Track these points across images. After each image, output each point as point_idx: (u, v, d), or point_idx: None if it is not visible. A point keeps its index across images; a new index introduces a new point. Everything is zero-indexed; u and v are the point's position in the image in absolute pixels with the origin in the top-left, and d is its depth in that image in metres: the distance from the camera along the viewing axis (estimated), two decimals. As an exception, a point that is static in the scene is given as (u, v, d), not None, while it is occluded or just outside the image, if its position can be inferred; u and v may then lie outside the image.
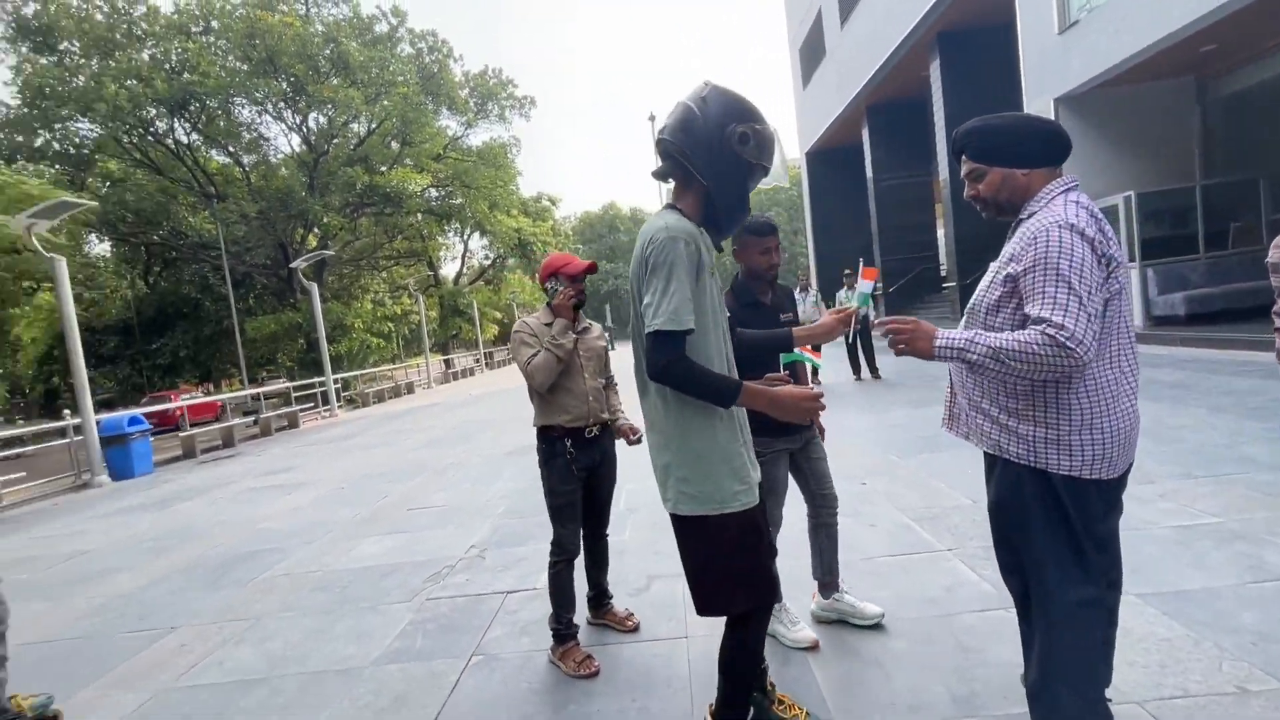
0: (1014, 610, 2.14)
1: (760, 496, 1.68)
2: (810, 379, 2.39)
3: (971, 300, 1.64)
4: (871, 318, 9.76)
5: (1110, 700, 1.62)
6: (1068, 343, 1.35)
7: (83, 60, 18.00)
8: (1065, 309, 1.37)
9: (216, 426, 12.60)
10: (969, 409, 1.69)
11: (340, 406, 17.30)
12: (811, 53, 26.23)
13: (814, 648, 2.43)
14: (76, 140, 19.73)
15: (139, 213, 19.89)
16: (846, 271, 9.79)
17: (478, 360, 31.01)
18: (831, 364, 10.44)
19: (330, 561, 4.21)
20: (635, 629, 2.74)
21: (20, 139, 18.41)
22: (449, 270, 35.83)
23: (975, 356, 1.45)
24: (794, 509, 2.74)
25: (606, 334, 2.94)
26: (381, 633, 3.03)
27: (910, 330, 1.53)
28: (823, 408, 1.60)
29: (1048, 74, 11.34)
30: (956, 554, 3.12)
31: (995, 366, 1.43)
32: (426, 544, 4.34)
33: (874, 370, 9.71)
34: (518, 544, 4.10)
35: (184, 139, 20.91)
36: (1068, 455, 1.48)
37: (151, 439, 10.04)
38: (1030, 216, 1.53)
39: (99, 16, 18.74)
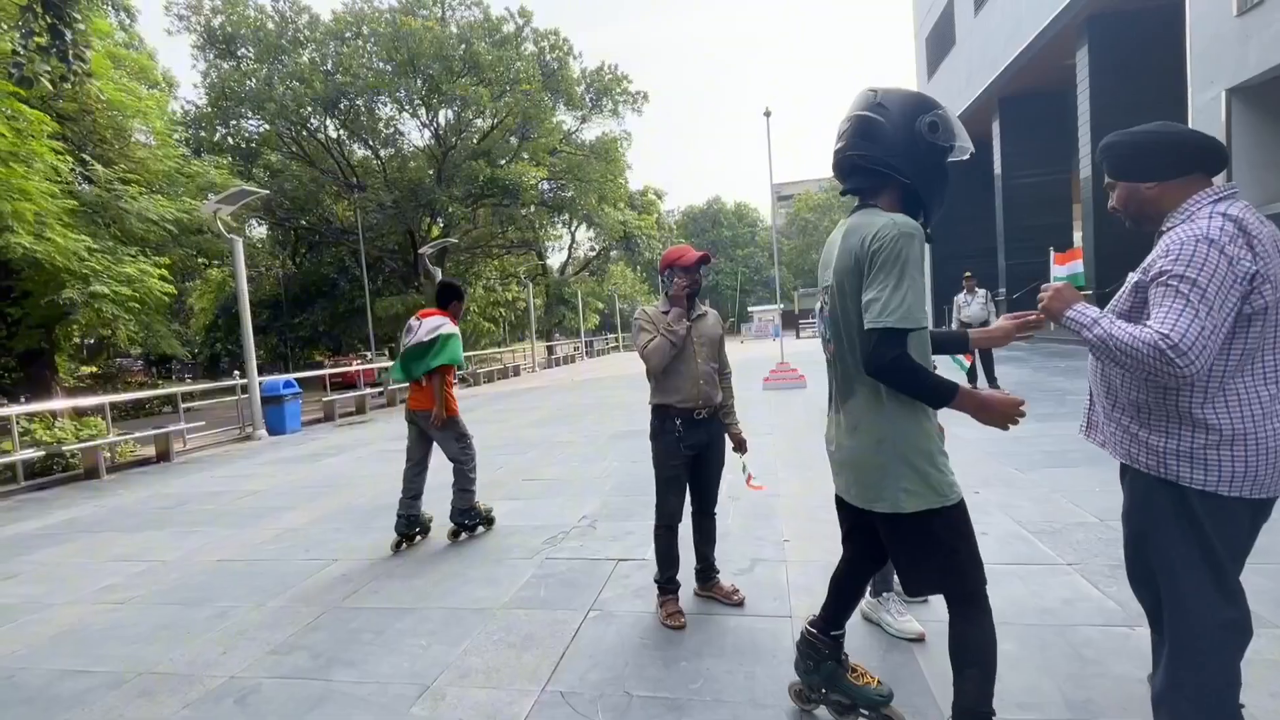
0: (1140, 628, 2.16)
1: None
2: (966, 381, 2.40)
3: (1106, 308, 1.66)
4: (991, 323, 9.22)
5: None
6: (1170, 352, 1.36)
7: (256, 64, 20.49)
8: (1178, 319, 1.38)
9: (351, 395, 14.00)
10: (1104, 418, 1.72)
11: (455, 383, 18.56)
12: (939, 42, 24.79)
13: (920, 639, 2.48)
14: (246, 135, 22.46)
15: (293, 200, 22.33)
16: (967, 274, 9.31)
17: (577, 348, 32.10)
18: (945, 371, 9.99)
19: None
20: (741, 604, 2.91)
21: (204, 134, 21.25)
22: (555, 261, 37.27)
23: (1091, 336, 1.50)
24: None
25: (725, 322, 3.12)
26: (509, 582, 3.39)
27: (1055, 290, 1.62)
28: (1024, 414, 1.60)
29: (1220, 62, 10.13)
30: (1078, 569, 3.03)
31: (1103, 352, 1.49)
32: (541, 511, 4.71)
33: (992, 379, 9.21)
34: (625, 518, 4.37)
35: (333, 134, 23.22)
36: (1203, 470, 1.48)
37: (301, 401, 11.36)
38: (1172, 228, 1.53)
39: (270, 25, 21.22)
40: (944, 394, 1.54)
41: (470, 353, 23.43)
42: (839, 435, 1.78)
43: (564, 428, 8.83)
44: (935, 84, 25.52)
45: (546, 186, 25.33)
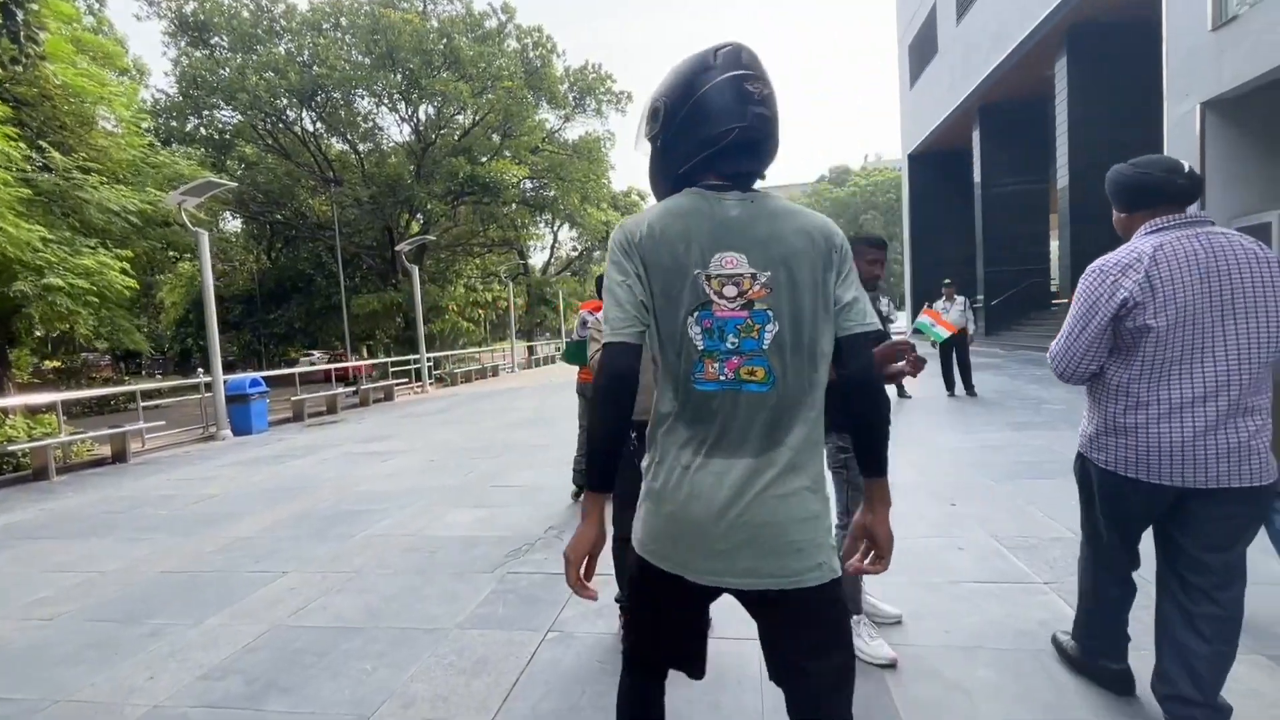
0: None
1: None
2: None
3: None
4: (972, 331, 9.25)
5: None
6: (1048, 359, 1.93)
7: (229, 54, 19.97)
8: (1059, 335, 1.89)
9: (322, 394, 13.65)
10: None
11: (431, 383, 18.28)
12: (922, 50, 24.99)
13: (892, 665, 2.37)
14: (219, 127, 21.89)
15: (268, 193, 21.81)
16: (947, 281, 9.31)
17: (558, 349, 31.88)
18: (924, 379, 9.99)
19: (422, 527, 4.49)
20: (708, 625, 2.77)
21: (175, 124, 20.67)
22: (536, 260, 36.98)
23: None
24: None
25: None
26: (467, 598, 3.22)
27: None
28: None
29: (1195, 75, 10.27)
30: (1054, 588, 2.93)
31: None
32: (508, 520, 4.54)
33: (969, 387, 9.21)
34: (594, 529, 4.21)
35: (309, 127, 22.75)
36: (1100, 450, 1.88)
37: (269, 400, 11.03)
38: None
39: (245, 14, 20.72)
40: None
41: (448, 352, 23.09)
42: (761, 485, 1.17)
43: (539, 431, 8.65)
44: (918, 91, 25.75)
45: (529, 185, 25.07)
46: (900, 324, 26.70)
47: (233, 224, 29.95)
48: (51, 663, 2.83)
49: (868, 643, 2.44)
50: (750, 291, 1.18)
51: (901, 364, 1.98)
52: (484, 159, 21.78)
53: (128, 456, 8.51)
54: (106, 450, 8.59)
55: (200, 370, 10.78)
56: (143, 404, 10.19)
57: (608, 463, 1.20)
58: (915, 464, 5.38)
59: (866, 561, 1.28)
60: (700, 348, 1.19)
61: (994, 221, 20.93)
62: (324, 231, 24.04)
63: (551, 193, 24.30)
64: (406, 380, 17.50)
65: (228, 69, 19.37)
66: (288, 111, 21.75)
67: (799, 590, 1.19)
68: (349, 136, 23.14)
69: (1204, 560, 1.76)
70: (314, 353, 25.44)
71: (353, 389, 15.15)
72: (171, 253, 19.87)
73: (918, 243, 26.86)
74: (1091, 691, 2.15)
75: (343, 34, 20.81)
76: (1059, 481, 4.58)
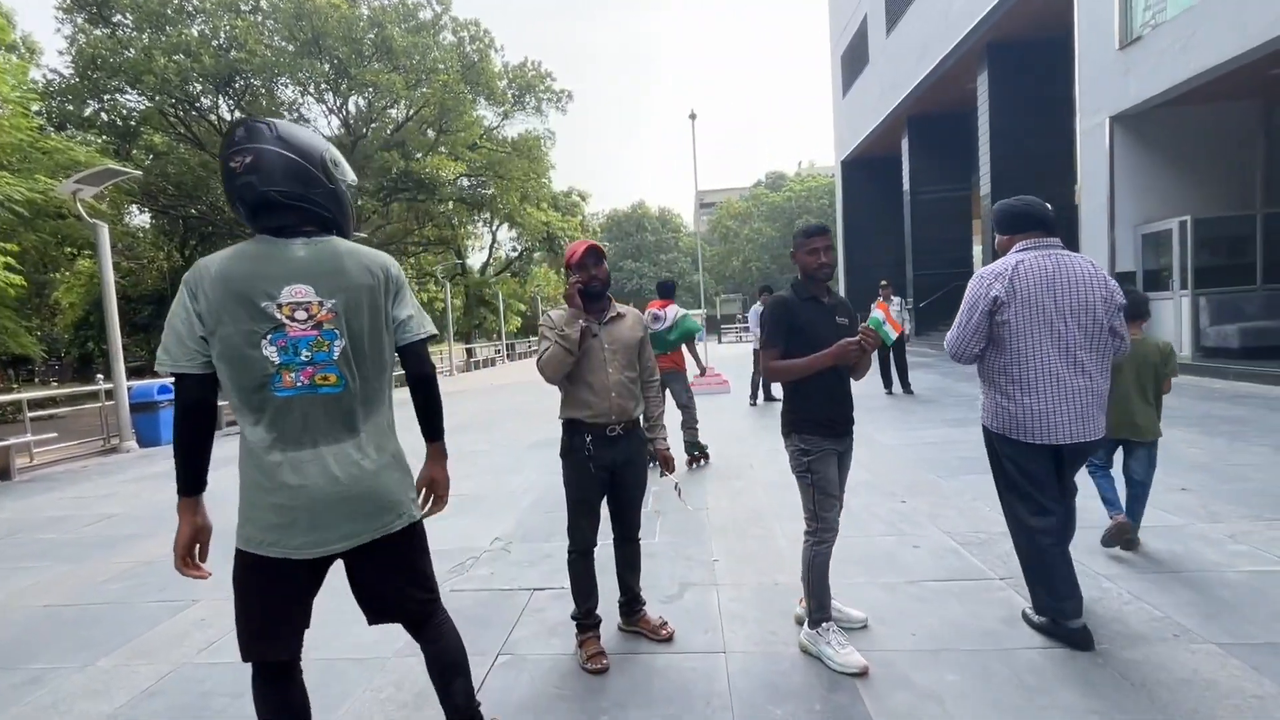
0: (1083, 652, 2.38)
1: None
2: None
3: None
4: (907, 332, 9.55)
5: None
6: (946, 344, 2.51)
7: (134, 33, 18.36)
8: (953, 325, 2.46)
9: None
10: None
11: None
12: (854, 60, 25.86)
13: (863, 674, 2.28)
14: (123, 112, 20.13)
15: (179, 185, 20.21)
16: (884, 282, 9.56)
17: (498, 351, 31.14)
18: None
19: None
20: (669, 638, 2.62)
21: (70, 108, 18.84)
22: (475, 260, 36.06)
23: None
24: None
25: (650, 325, 2.86)
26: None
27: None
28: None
29: (1104, 91, 10.98)
30: (1010, 584, 2.95)
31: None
32: (449, 533, 4.26)
33: (906, 386, 9.48)
34: (543, 539, 3.99)
35: (227, 116, 21.26)
36: (992, 418, 2.48)
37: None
38: None
39: (152, -10, 19.11)
40: (442, 417, 1.80)
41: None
42: (350, 468, 1.52)
43: (479, 436, 8.30)
44: (850, 100, 26.61)
45: (466, 183, 24.33)
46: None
47: (140, 218, 27.73)
48: (-103, 724, 2.39)
49: (838, 651, 2.35)
50: (319, 315, 1.48)
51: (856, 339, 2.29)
52: (419, 155, 20.95)
53: (12, 473, 7.60)
54: (-15, 467, 7.65)
55: (101, 376, 9.81)
56: (31, 414, 9.17)
57: (189, 473, 1.53)
58: (862, 462, 5.41)
59: (430, 505, 1.80)
60: (276, 362, 1.45)
61: (922, 227, 21.85)
62: (242, 228, 22.53)
63: (490, 191, 23.63)
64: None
65: (132, 50, 17.80)
66: (202, 98, 20.24)
67: (388, 535, 1.57)
68: (271, 127, 21.80)
69: (1067, 483, 2.54)
70: None
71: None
72: (68, 249, 18.17)
73: (851, 246, 27.73)
74: (1060, 689, 2.12)
75: (263, 18, 19.52)
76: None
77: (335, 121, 22.34)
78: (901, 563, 3.28)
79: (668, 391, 5.36)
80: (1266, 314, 9.48)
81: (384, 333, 1.58)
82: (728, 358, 18.28)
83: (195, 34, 18.71)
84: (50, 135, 12.98)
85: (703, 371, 9.42)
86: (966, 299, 2.41)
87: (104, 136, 18.86)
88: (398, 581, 1.65)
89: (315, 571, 1.58)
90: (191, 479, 1.54)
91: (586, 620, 2.54)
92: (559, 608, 2.98)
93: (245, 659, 1.60)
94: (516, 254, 34.07)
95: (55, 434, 9.20)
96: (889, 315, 2.30)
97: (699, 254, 15.95)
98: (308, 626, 1.64)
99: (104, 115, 19.81)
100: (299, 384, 1.47)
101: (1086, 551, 3.16)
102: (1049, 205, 2.45)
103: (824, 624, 2.42)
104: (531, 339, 38.29)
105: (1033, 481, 2.40)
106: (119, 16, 18.99)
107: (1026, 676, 2.22)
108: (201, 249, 27.46)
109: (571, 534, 2.55)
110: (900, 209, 23.15)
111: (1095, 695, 2.08)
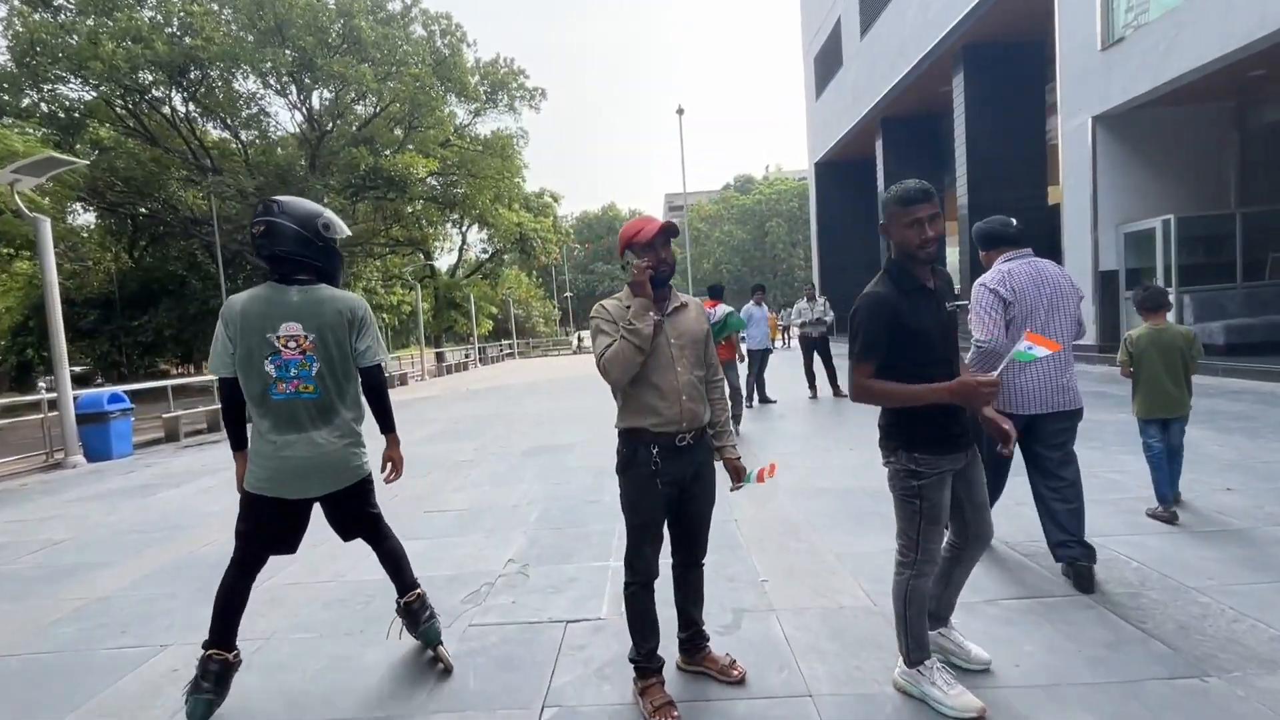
0: (1202, 680, 2.13)
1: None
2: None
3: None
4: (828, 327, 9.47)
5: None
6: (982, 341, 2.77)
7: (79, 18, 17.17)
8: (979, 328, 2.79)
9: (202, 409, 11.91)
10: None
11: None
12: (827, 62, 26.00)
13: (981, 718, 1.96)
14: (67, 104, 18.85)
15: (129, 181, 19.02)
16: (809, 286, 9.60)
17: (468, 354, 30.37)
18: (790, 382, 10.07)
19: (343, 570, 3.68)
20: (742, 680, 2.26)
21: (6, 97, 17.52)
22: (444, 263, 35.19)
23: (972, 358, 2.77)
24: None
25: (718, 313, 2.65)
26: (422, 667, 2.52)
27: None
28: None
29: (1087, 91, 11.08)
30: (1099, 600, 2.68)
31: (978, 356, 2.79)
32: (454, 554, 3.83)
33: (835, 387, 9.36)
34: (563, 559, 3.59)
35: (181, 109, 20.12)
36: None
37: (133, 419, 9.38)
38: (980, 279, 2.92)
39: (99, -26, 17.90)
40: (393, 415, 2.46)
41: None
42: (321, 447, 2.21)
43: (466, 444, 7.82)
44: (824, 103, 26.76)
45: (436, 182, 23.58)
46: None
47: (85, 217, 26.19)
48: None
49: (946, 692, 2.02)
50: (304, 344, 2.17)
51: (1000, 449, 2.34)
52: (388, 151, 20.16)
53: (-61, 494, 6.82)
54: (-92, 487, 6.85)
55: (42, 385, 8.97)
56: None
57: (237, 437, 2.30)
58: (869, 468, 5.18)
59: (389, 474, 2.49)
60: (274, 376, 2.14)
61: (897, 228, 22.01)
62: (200, 227, 21.40)
63: (462, 190, 22.93)
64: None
65: (76, 35, 16.63)
66: (153, 90, 19.09)
67: (348, 486, 2.29)
68: (229, 121, 20.69)
69: (1050, 456, 2.88)
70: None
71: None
72: (4, 248, 16.94)
73: (825, 247, 27.90)
74: None
75: (221, 4, 18.50)
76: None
77: (299, 116, 21.38)
78: (971, 578, 2.98)
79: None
80: (1247, 311, 9.64)
81: (349, 358, 2.26)
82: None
83: (146, 19, 17.60)
84: (-16, 124, 11.94)
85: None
86: (980, 303, 2.85)
87: (44, 129, 17.61)
88: (355, 514, 2.40)
89: (300, 508, 2.28)
90: (239, 440, 2.29)
91: (649, 663, 2.16)
92: (601, 644, 2.60)
93: (241, 562, 2.26)
94: (487, 255, 33.33)
95: (-10, 449, 8.37)
96: (1039, 340, 1.93)
97: (688, 253, 15.61)
98: (300, 540, 2.34)
99: (44, 106, 18.52)
100: (288, 392, 2.16)
101: (1163, 560, 2.92)
102: (1014, 220, 3.02)
103: (925, 663, 2.10)
104: (504, 342, 37.52)
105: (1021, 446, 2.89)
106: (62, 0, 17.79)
107: (1166, 715, 1.94)
108: (154, 251, 26.05)
109: (633, 563, 2.16)
110: (873, 210, 23.32)
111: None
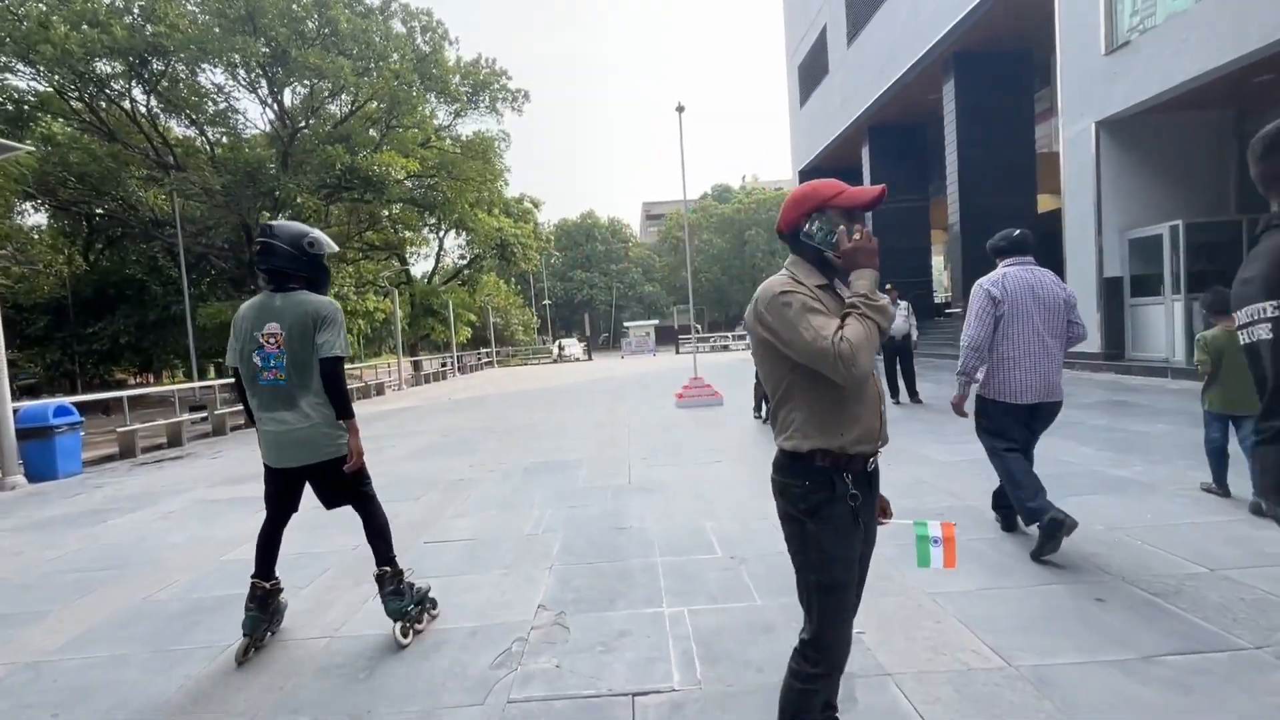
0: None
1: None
2: None
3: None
4: (914, 337, 9.06)
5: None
6: (966, 339, 3.35)
7: (29, 2, 16.02)
8: (967, 324, 3.36)
9: (162, 422, 10.99)
10: None
11: (303, 405, 15.71)
12: (812, 70, 25.96)
13: None
14: (15, 95, 17.62)
15: (84, 178, 17.82)
16: (889, 286, 9.09)
17: (446, 363, 29.42)
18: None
19: (336, 622, 3.04)
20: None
21: (-53, 88, 16.25)
22: (420, 269, 34.24)
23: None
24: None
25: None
26: (459, 769, 1.92)
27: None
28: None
29: (1090, 96, 10.94)
30: (1272, 652, 2.21)
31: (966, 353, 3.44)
32: (469, 598, 3.22)
33: (914, 394, 8.97)
34: (606, 605, 3.01)
35: (142, 101, 19.00)
36: (986, 389, 3.40)
37: (83, 433, 8.48)
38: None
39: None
40: (349, 403, 2.75)
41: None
42: (289, 425, 2.66)
43: (458, 460, 7.16)
44: (808, 111, 26.71)
45: (413, 184, 22.75)
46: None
47: (35, 217, 24.72)
48: None
49: None
50: (280, 341, 2.65)
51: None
52: (364, 151, 19.30)
53: None
54: None
55: (-22, 396, 8.05)
56: (-118, 445, 7.36)
57: (248, 410, 2.82)
58: (928, 482, 4.71)
59: (350, 462, 2.78)
60: (259, 366, 2.66)
61: (883, 236, 21.86)
62: (162, 229, 20.20)
63: (442, 193, 22.13)
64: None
65: (27, 20, 15.47)
66: (113, 82, 17.97)
67: (324, 461, 2.71)
68: (194, 117, 19.60)
69: (1037, 436, 3.45)
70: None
71: (203, 414, 12.48)
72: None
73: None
74: None
75: (187, -9, 17.48)
76: (1112, 498, 4.05)
77: (270, 113, 20.38)
78: (1103, 626, 2.50)
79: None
80: (1256, 318, 9.50)
81: (312, 352, 2.65)
82: (712, 365, 17.25)
83: (104, 3, 16.51)
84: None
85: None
86: (974, 299, 3.34)
87: (-11, 123, 16.41)
88: (336, 486, 2.81)
89: (290, 476, 2.78)
90: (251, 416, 2.78)
91: None
92: (686, 727, 2.03)
93: (268, 513, 2.88)
94: (465, 261, 32.49)
95: (-85, 468, 7.46)
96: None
97: (688, 259, 15.15)
98: (296, 507, 2.89)
99: (-10, 97, 17.29)
100: (269, 379, 2.67)
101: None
102: (1017, 231, 3.44)
103: None
104: (482, 350, 36.59)
105: (1005, 429, 3.37)
106: (11, -15, 16.61)
107: None
108: (110, 254, 24.66)
109: (829, 645, 1.58)
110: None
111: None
